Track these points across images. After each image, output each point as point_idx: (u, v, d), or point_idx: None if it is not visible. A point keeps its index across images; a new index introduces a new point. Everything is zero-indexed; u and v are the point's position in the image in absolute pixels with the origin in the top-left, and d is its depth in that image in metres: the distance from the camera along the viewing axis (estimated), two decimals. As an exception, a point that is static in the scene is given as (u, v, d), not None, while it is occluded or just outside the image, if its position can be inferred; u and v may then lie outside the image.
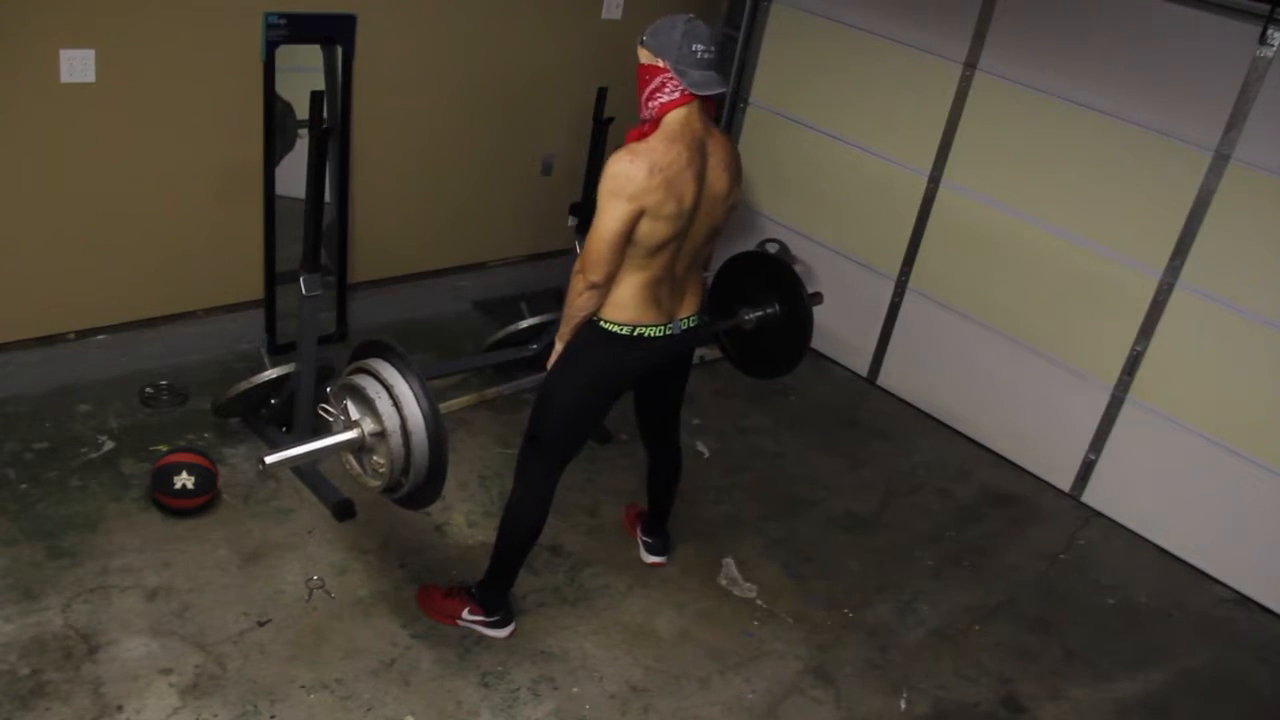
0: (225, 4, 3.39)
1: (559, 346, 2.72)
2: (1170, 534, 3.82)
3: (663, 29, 2.52)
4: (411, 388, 2.37)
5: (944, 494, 3.94)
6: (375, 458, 2.44)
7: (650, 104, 2.53)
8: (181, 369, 3.74)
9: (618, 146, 4.23)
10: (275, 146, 3.69)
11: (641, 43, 2.56)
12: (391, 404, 2.36)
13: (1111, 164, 3.73)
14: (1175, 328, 3.69)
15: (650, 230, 2.51)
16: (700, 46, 2.48)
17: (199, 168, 3.57)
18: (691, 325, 2.77)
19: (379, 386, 2.39)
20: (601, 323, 2.64)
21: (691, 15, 2.54)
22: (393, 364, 2.42)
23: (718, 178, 2.61)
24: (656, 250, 2.56)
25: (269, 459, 2.36)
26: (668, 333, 2.69)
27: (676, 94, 2.50)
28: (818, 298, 3.59)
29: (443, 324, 4.41)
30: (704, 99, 2.54)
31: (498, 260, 4.61)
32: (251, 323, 3.92)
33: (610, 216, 2.46)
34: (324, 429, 2.55)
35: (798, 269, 4.59)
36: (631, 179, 2.44)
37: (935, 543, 3.66)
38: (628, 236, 2.50)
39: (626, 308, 2.62)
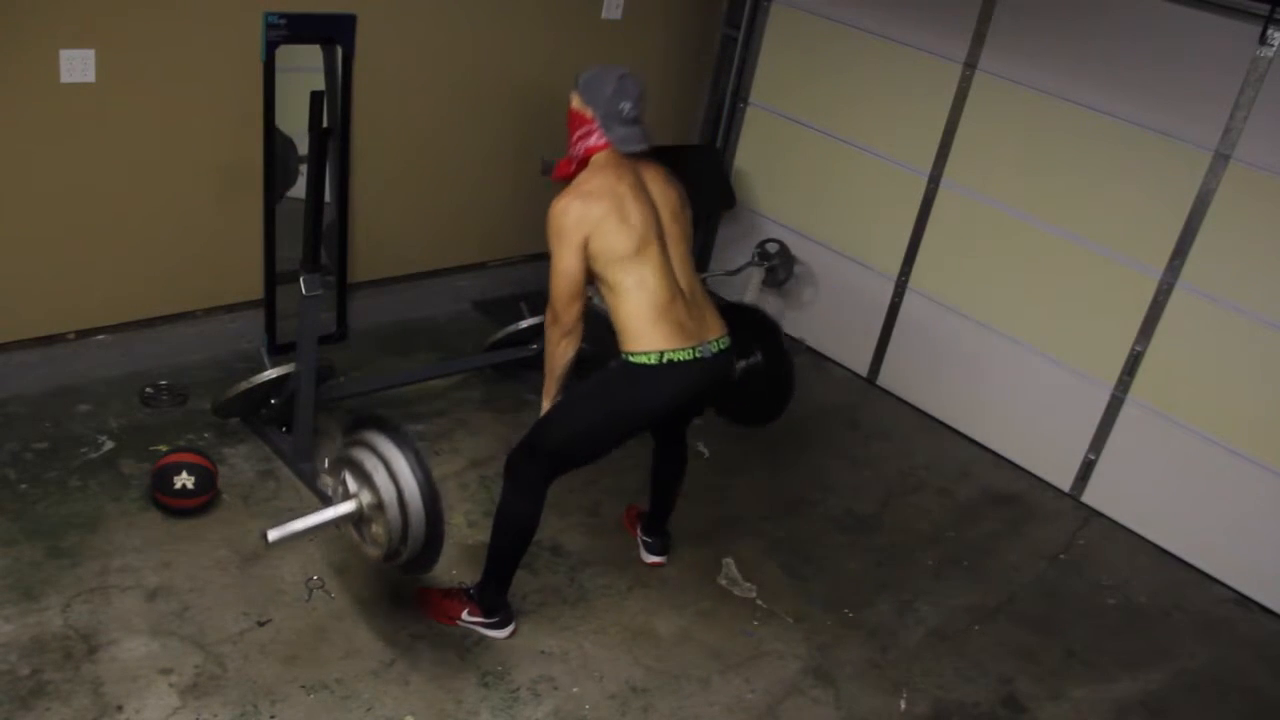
0: (225, 4, 3.39)
1: (546, 405, 2.76)
2: (1170, 534, 3.82)
3: (595, 81, 2.67)
4: (407, 460, 2.43)
5: (944, 494, 3.94)
6: (374, 528, 2.50)
7: (577, 145, 2.71)
8: (181, 369, 3.74)
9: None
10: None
11: (575, 87, 2.71)
12: (388, 477, 2.43)
13: (1111, 164, 3.74)
14: (1175, 328, 3.69)
15: (611, 240, 2.59)
16: (627, 105, 2.64)
17: (199, 168, 3.57)
18: (723, 348, 2.75)
19: (376, 460, 2.46)
20: (629, 358, 2.63)
21: (625, 71, 2.68)
22: (389, 437, 2.48)
23: (662, 190, 2.75)
24: (635, 258, 2.60)
25: (272, 535, 2.43)
26: (698, 355, 2.66)
27: (601, 140, 2.67)
28: (800, 345, 3.63)
29: (443, 324, 4.41)
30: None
31: (498, 260, 4.61)
32: (251, 323, 3.92)
33: (561, 255, 2.61)
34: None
35: (797, 269, 4.61)
36: (567, 211, 2.60)
37: (935, 543, 3.66)
38: (584, 270, 2.62)
39: (647, 336, 2.62)
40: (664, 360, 2.62)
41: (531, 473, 2.72)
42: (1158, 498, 3.83)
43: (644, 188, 2.70)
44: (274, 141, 3.64)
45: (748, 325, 3.49)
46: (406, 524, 2.44)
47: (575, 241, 2.59)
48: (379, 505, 2.43)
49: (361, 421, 2.57)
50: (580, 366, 2.81)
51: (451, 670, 2.78)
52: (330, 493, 2.49)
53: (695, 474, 3.62)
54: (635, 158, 2.72)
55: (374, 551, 2.55)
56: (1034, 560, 3.67)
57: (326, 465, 2.50)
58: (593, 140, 2.68)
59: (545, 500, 2.76)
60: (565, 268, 2.62)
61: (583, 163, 2.71)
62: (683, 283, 2.72)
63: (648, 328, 2.62)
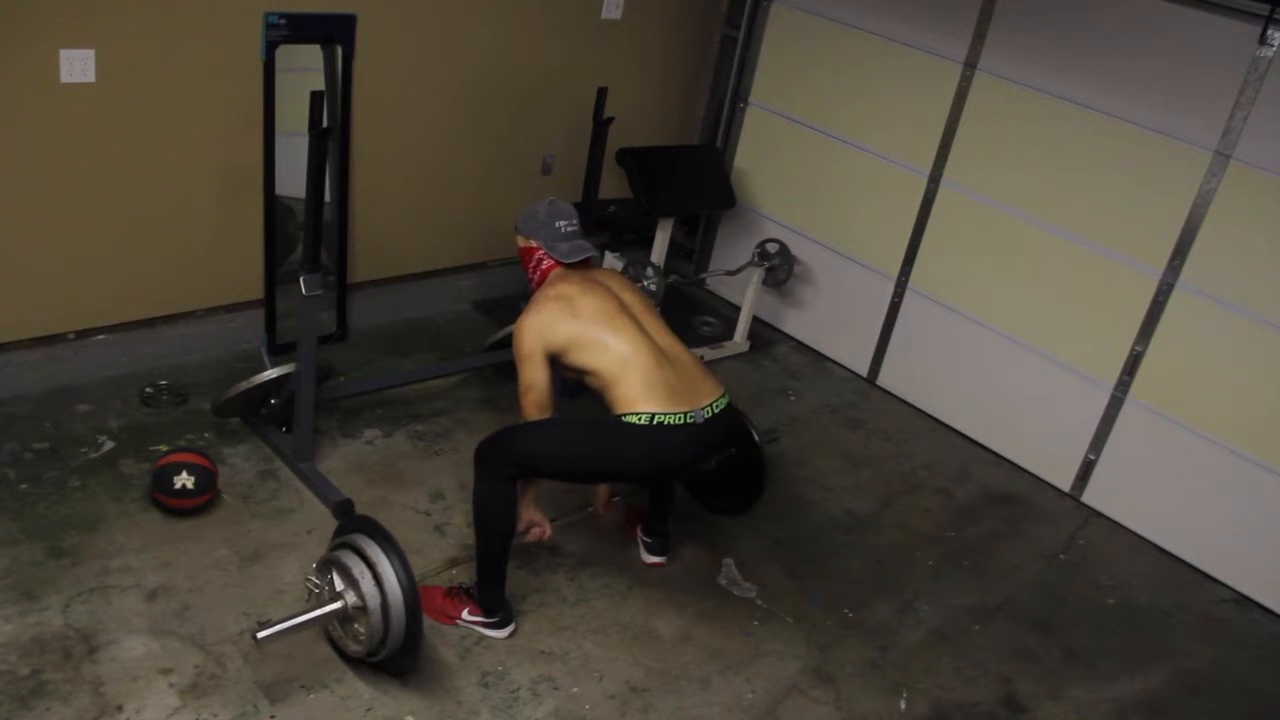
0: (225, 4, 3.39)
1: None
2: (1170, 534, 3.82)
3: (529, 216, 2.94)
4: (392, 566, 2.55)
5: (944, 494, 3.94)
6: (356, 626, 2.62)
7: (534, 275, 2.94)
8: (181, 369, 3.74)
9: (618, 146, 4.29)
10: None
11: (515, 230, 2.99)
12: (374, 582, 2.55)
13: (1111, 164, 3.74)
14: (1175, 328, 3.69)
15: (570, 330, 2.73)
16: (563, 223, 2.91)
17: (199, 168, 3.57)
18: (718, 411, 2.78)
19: (362, 564, 2.57)
20: (623, 417, 2.68)
21: (553, 198, 2.98)
22: (376, 542, 2.59)
23: (621, 286, 2.93)
24: (607, 336, 2.71)
25: (261, 635, 2.51)
26: (689, 420, 2.70)
27: (550, 261, 2.91)
28: (773, 436, 3.77)
29: (443, 324, 4.41)
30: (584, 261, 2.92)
31: (498, 260, 4.60)
32: (251, 323, 3.92)
33: (524, 374, 2.75)
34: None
35: (797, 269, 4.61)
36: (524, 329, 2.75)
37: (935, 543, 3.66)
38: (549, 377, 2.75)
39: (640, 402, 2.68)
40: (654, 421, 2.67)
41: (496, 466, 2.75)
42: (1158, 498, 3.83)
43: (596, 281, 2.87)
44: (273, 145, 3.63)
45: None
46: (388, 625, 2.55)
47: (536, 355, 2.74)
48: (363, 607, 2.55)
49: (350, 525, 2.69)
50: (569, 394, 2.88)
51: (451, 670, 2.78)
52: (317, 592, 2.62)
53: (695, 474, 3.62)
54: (586, 266, 2.92)
55: (356, 648, 2.65)
56: (1034, 560, 3.67)
57: (314, 566, 2.65)
58: (544, 264, 2.91)
59: (514, 492, 2.78)
60: (528, 382, 2.75)
61: (541, 283, 2.92)
62: (666, 348, 2.81)
63: (639, 395, 2.69)
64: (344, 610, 2.58)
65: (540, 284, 2.92)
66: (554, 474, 2.85)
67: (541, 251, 2.92)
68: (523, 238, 2.97)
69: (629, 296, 2.90)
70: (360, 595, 2.55)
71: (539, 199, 3.02)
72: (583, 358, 2.74)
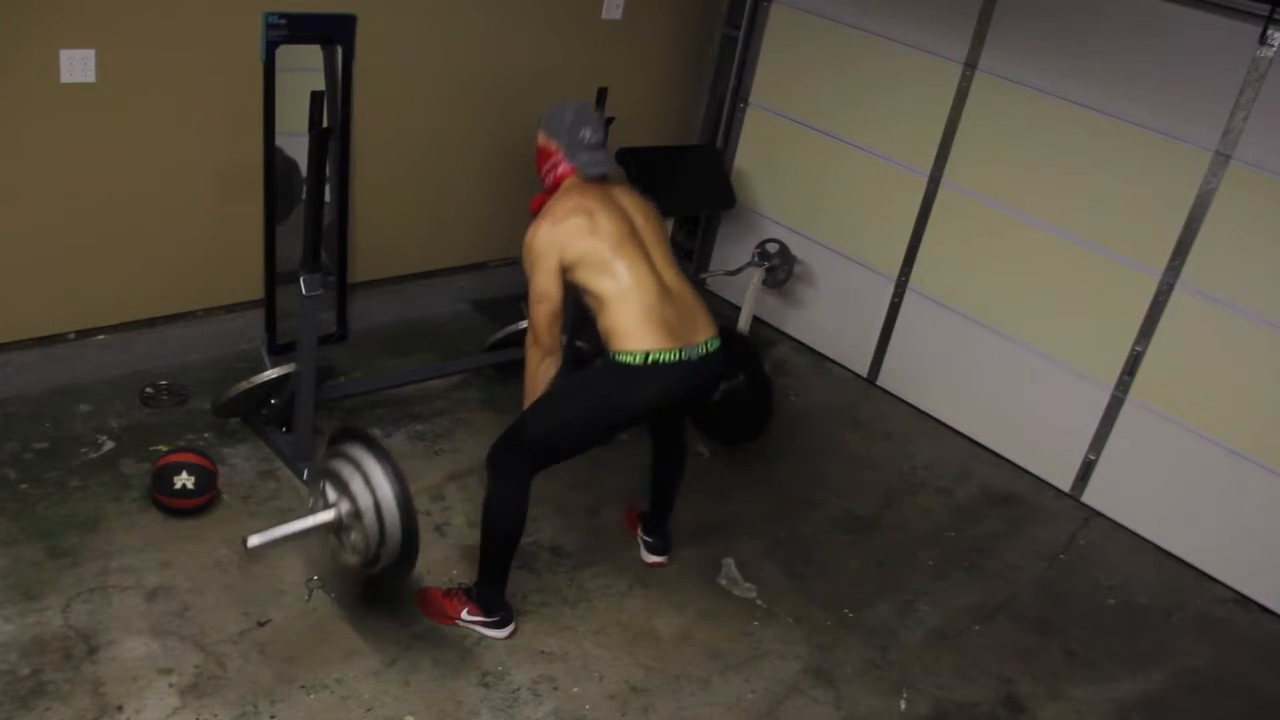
0: (225, 4, 3.39)
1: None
2: (1170, 534, 3.82)
3: (556, 115, 2.82)
4: (384, 470, 2.53)
5: (944, 494, 3.94)
6: (353, 536, 2.59)
7: (547, 177, 2.84)
8: (181, 369, 3.74)
9: (618, 146, 4.28)
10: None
11: (538, 125, 2.86)
12: (366, 487, 2.53)
13: (1111, 164, 3.74)
14: (1175, 328, 3.69)
15: (584, 249, 2.66)
16: (588, 131, 2.79)
17: (199, 168, 3.57)
18: (711, 350, 2.76)
19: (353, 470, 2.56)
20: (615, 357, 2.65)
21: (585, 103, 2.87)
22: (366, 448, 2.58)
23: (633, 203, 2.82)
24: (614, 262, 2.65)
25: (252, 541, 2.50)
26: (684, 357, 2.68)
27: (568, 167, 2.81)
28: (783, 366, 3.70)
29: (443, 324, 4.41)
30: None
31: (498, 260, 4.61)
32: (251, 323, 3.92)
33: (537, 280, 2.69)
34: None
35: (797, 269, 4.61)
36: (536, 236, 2.68)
37: (935, 543, 3.66)
38: (562, 289, 2.69)
39: (635, 335, 2.64)
40: (649, 360, 2.63)
41: (513, 465, 2.74)
42: (1158, 498, 3.83)
43: (613, 199, 2.78)
44: (273, 145, 3.63)
45: (731, 347, 3.51)
46: (383, 531, 2.53)
47: (550, 264, 2.67)
48: (356, 514, 2.53)
49: (340, 434, 2.67)
50: (579, 364, 2.83)
51: (451, 670, 2.78)
52: (311, 503, 2.60)
53: (695, 474, 3.62)
54: (603, 181, 2.83)
55: (353, 559, 2.63)
56: (1034, 560, 3.67)
57: (307, 477, 2.60)
58: (560, 169, 2.80)
59: (530, 494, 2.77)
60: (542, 291, 2.69)
61: (552, 191, 2.82)
62: (670, 282, 2.75)
63: (635, 328, 2.64)
64: (338, 520, 2.55)
65: (553, 189, 2.82)
66: (571, 449, 2.81)
67: (560, 156, 2.80)
68: (544, 135, 2.84)
69: (641, 221, 2.80)
70: (352, 499, 2.51)
71: (576, 101, 2.95)
72: (587, 278, 2.68)
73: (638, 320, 2.64)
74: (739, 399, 3.28)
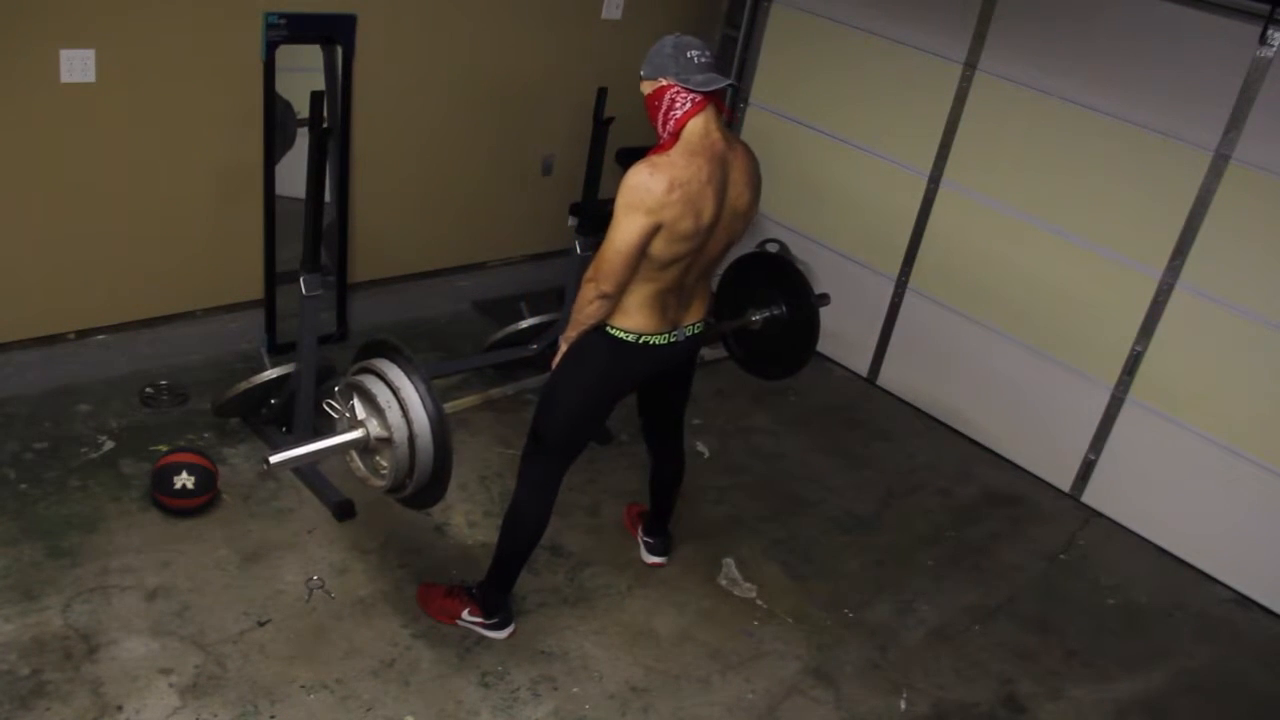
0: (225, 4, 3.39)
1: (564, 348, 2.72)
2: (1170, 534, 3.82)
3: (654, 54, 2.55)
4: (418, 391, 2.37)
5: (944, 494, 3.94)
6: (379, 459, 2.45)
7: (666, 123, 2.53)
8: (181, 369, 3.74)
9: (618, 146, 4.28)
10: (275, 144, 3.69)
11: (641, 77, 2.60)
12: (398, 407, 2.37)
13: (1111, 164, 3.73)
14: (1175, 328, 3.69)
15: (665, 247, 2.50)
16: (695, 52, 2.51)
17: (199, 168, 3.57)
18: (695, 332, 2.78)
19: (385, 389, 2.39)
20: (609, 329, 2.64)
21: (678, 33, 2.58)
22: (400, 365, 2.42)
23: (739, 194, 2.61)
24: (669, 264, 2.56)
25: (273, 459, 2.37)
26: (672, 340, 2.70)
27: (689, 104, 2.50)
28: (824, 298, 3.59)
29: (443, 324, 4.41)
30: (718, 105, 2.55)
31: (498, 260, 4.60)
32: (251, 323, 3.92)
33: (626, 229, 2.45)
34: (325, 429, 2.55)
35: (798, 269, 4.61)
36: (651, 191, 2.42)
37: (935, 543, 3.66)
38: (643, 250, 2.48)
39: (634, 316, 2.63)
40: (640, 341, 2.65)
41: (544, 467, 2.75)
42: (1158, 498, 3.83)
43: (725, 180, 2.55)
44: (273, 139, 3.64)
45: (774, 277, 3.48)
46: (414, 455, 2.38)
47: (646, 224, 2.43)
48: (388, 435, 2.37)
49: (372, 347, 2.50)
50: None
51: (451, 670, 2.78)
52: (337, 419, 2.42)
53: (695, 474, 3.63)
54: (730, 134, 2.61)
55: (378, 482, 2.49)
56: (1034, 560, 3.67)
57: (336, 390, 2.44)
58: (679, 108, 2.50)
59: (553, 502, 2.79)
60: (626, 239, 2.45)
61: (675, 137, 2.52)
62: (688, 280, 2.68)
63: (635, 309, 2.63)
64: (365, 440, 2.40)
65: (675, 135, 2.51)
66: (589, 432, 2.82)
67: (675, 88, 2.49)
68: (649, 81, 2.56)
69: (725, 222, 2.59)
70: (384, 421, 2.35)
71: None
72: (655, 249, 2.48)
73: (641, 302, 2.62)
74: (781, 329, 3.17)
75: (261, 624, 2.79)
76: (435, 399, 2.38)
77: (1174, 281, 3.66)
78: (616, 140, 4.04)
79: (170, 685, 2.57)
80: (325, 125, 3.04)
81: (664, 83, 2.52)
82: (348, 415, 2.43)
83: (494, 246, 4.56)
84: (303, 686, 2.64)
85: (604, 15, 4.43)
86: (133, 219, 3.51)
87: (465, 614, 2.88)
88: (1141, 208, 3.69)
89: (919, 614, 3.30)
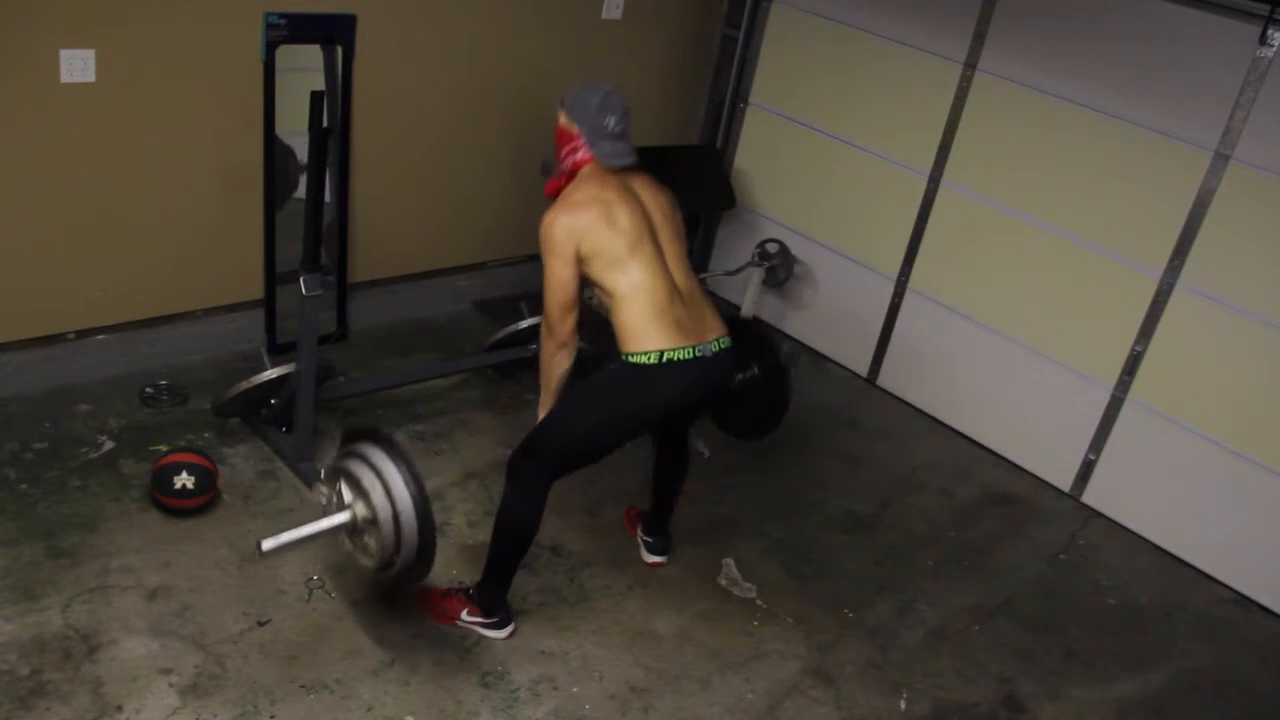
0: (225, 4, 3.39)
1: (542, 415, 2.78)
2: (1170, 534, 3.82)
3: (581, 98, 2.73)
4: (401, 473, 2.48)
5: (944, 494, 3.94)
6: (367, 538, 2.55)
7: (565, 161, 2.77)
8: (181, 369, 3.74)
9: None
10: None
11: (561, 104, 2.77)
12: (382, 490, 2.48)
13: (1111, 164, 3.74)
14: (1175, 328, 3.69)
15: (601, 244, 2.61)
16: (613, 120, 2.71)
17: (199, 168, 3.57)
18: (723, 347, 2.75)
19: (370, 473, 2.51)
20: (629, 359, 2.64)
21: (610, 88, 2.75)
22: (383, 449, 2.53)
23: (651, 194, 2.78)
24: (628, 260, 2.62)
25: (266, 545, 2.47)
26: (697, 354, 2.67)
27: (588, 155, 2.74)
28: (795, 359, 3.67)
29: (443, 324, 4.41)
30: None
31: (498, 260, 4.61)
32: (251, 323, 3.92)
33: (555, 273, 2.64)
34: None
35: (797, 269, 4.61)
36: (555, 224, 2.63)
37: (935, 543, 3.66)
38: (578, 278, 2.64)
39: (646, 336, 2.63)
40: (663, 360, 2.62)
41: (532, 474, 2.73)
42: (1158, 498, 3.83)
43: (632, 193, 2.74)
44: (274, 143, 3.63)
45: (744, 338, 3.49)
46: (400, 536, 2.48)
47: (566, 253, 2.63)
48: (373, 517, 2.48)
49: (356, 433, 2.63)
50: (580, 366, 2.82)
51: (451, 670, 2.78)
52: (325, 503, 2.53)
53: (695, 474, 3.62)
54: (623, 170, 2.77)
55: (367, 561, 2.59)
56: (1034, 560, 3.67)
57: (322, 476, 2.56)
58: (580, 155, 2.74)
59: (546, 502, 2.77)
60: (558, 280, 2.65)
61: (571, 176, 2.76)
62: (680, 282, 2.73)
63: (646, 327, 2.63)
64: (353, 522, 2.50)
65: (572, 174, 2.76)
66: (590, 457, 2.79)
67: (581, 141, 2.73)
68: (565, 117, 2.76)
69: (659, 219, 2.76)
70: (369, 504, 2.45)
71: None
72: (601, 272, 2.64)
73: (649, 318, 2.63)
74: (754, 390, 3.25)
75: (261, 624, 2.79)
76: (419, 481, 2.50)
77: (1174, 281, 3.66)
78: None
79: (170, 685, 2.57)
80: (325, 125, 3.04)
81: (576, 130, 2.74)
82: (336, 499, 2.54)
83: (494, 246, 4.56)
84: (303, 686, 2.64)
85: (604, 15, 4.43)
86: (133, 219, 3.51)
87: (464, 614, 2.88)
88: (1141, 208, 3.70)
89: (919, 614, 3.30)
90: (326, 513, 2.54)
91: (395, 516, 2.46)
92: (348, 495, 2.51)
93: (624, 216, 2.66)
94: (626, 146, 2.76)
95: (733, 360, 2.82)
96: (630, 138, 2.78)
